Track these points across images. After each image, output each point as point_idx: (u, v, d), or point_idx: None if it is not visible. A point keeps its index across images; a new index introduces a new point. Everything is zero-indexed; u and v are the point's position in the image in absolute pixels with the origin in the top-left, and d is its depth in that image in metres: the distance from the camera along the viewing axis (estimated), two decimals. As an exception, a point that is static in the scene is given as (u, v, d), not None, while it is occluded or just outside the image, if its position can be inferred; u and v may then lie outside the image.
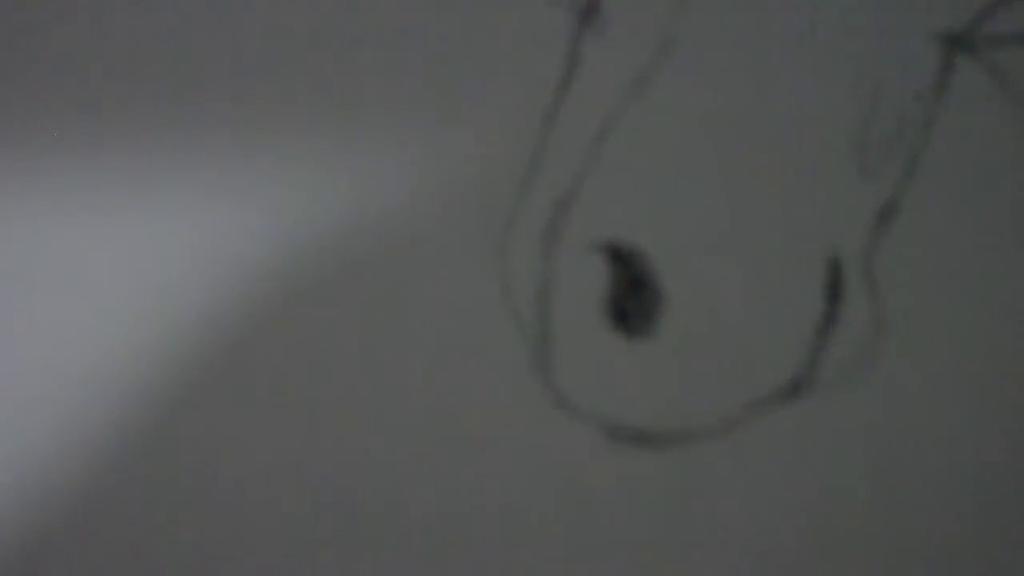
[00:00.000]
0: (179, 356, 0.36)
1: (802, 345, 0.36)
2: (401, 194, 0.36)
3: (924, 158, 0.37)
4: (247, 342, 0.36)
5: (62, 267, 0.36)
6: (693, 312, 0.36)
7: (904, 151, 0.37)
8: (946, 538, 0.37)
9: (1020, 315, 0.37)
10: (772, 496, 0.37)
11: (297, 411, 0.36)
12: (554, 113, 0.36)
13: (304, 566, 0.36)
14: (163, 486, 0.36)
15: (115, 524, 0.36)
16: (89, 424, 0.36)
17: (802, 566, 0.37)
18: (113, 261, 0.36)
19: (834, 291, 0.37)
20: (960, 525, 0.37)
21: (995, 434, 0.37)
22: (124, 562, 0.36)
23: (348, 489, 0.36)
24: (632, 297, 0.36)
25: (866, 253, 0.37)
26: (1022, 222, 0.38)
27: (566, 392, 0.36)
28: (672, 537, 0.36)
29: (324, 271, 0.36)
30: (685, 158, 0.37)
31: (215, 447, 0.36)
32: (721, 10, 0.37)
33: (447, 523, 0.36)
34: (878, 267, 0.37)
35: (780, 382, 0.36)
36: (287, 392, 0.36)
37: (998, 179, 0.38)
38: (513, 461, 0.36)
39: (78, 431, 0.36)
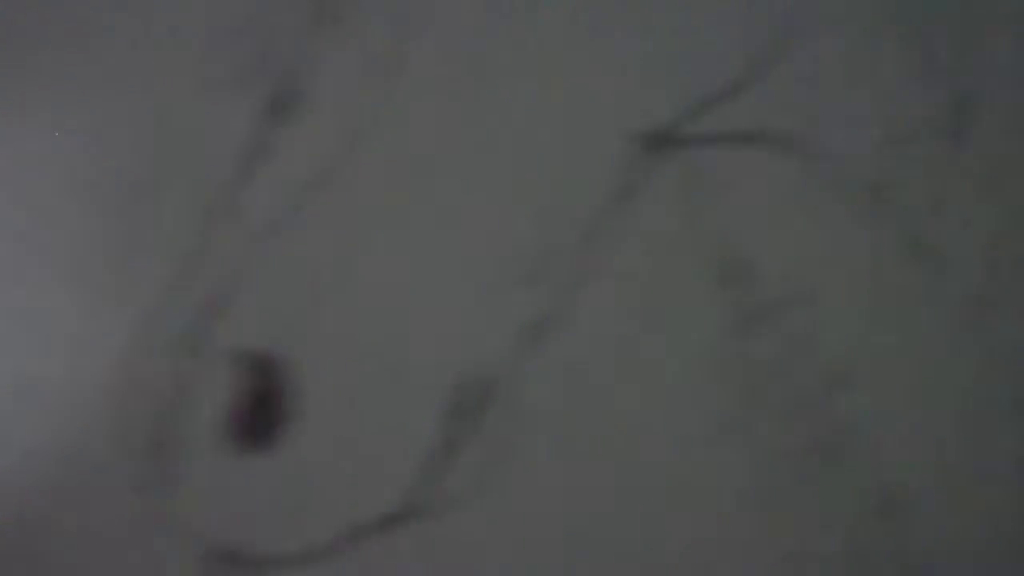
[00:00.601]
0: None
1: (418, 470, 0.37)
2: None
3: (590, 268, 0.39)
4: None
5: None
6: (316, 432, 0.37)
7: (571, 261, 0.39)
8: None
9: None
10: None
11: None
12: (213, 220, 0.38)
13: None
14: None
15: None
16: None
17: None
18: None
19: (462, 412, 0.38)
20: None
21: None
22: None
23: None
24: (258, 414, 0.37)
25: (510, 370, 0.38)
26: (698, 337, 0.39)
27: (174, 509, 0.37)
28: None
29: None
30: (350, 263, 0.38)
31: None
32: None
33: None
34: (520, 386, 0.38)
35: (391, 507, 0.37)
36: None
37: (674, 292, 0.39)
38: None
39: None
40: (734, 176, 0.40)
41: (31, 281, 0.39)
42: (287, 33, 0.40)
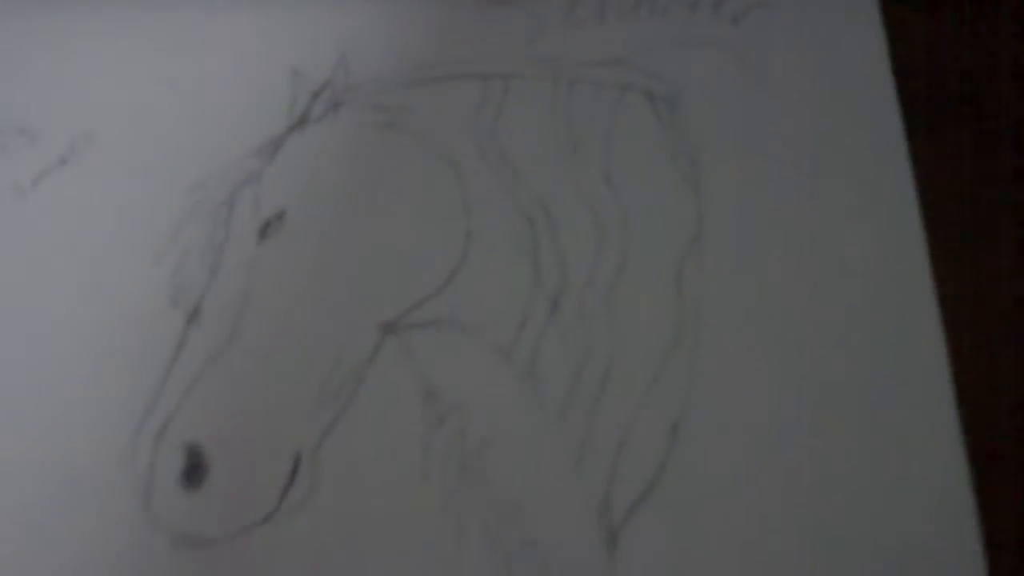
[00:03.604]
0: None
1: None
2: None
3: (350, 409, 0.53)
4: None
5: None
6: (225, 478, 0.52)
7: (340, 402, 0.54)
8: None
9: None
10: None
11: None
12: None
13: None
14: None
15: None
16: None
17: None
18: None
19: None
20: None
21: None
22: None
23: None
24: (194, 470, 0.52)
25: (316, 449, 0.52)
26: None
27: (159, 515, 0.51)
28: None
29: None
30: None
31: None
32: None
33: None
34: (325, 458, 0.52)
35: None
36: None
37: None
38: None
39: None
40: (434, 348, 0.55)
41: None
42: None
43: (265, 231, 0.58)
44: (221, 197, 0.59)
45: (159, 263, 0.58)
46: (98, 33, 0.65)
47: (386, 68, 0.62)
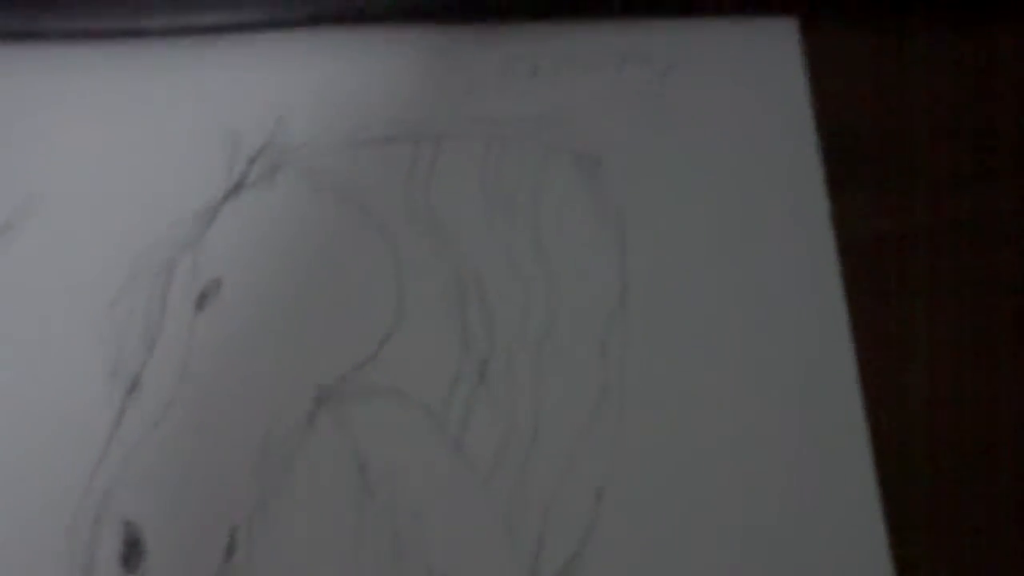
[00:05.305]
0: None
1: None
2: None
3: (284, 480, 0.54)
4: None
5: None
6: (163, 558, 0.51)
7: (275, 473, 0.53)
8: None
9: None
10: None
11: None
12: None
13: None
14: None
15: None
16: None
17: None
18: None
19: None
20: None
21: None
22: None
23: None
24: (132, 551, 0.51)
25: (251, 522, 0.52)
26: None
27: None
28: None
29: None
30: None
31: None
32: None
33: None
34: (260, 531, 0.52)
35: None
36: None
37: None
38: None
39: None
40: (367, 417, 0.55)
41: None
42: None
43: (202, 302, 0.58)
44: (159, 265, 0.59)
45: (99, 333, 0.57)
46: (40, 97, 0.64)
47: (322, 131, 0.62)
